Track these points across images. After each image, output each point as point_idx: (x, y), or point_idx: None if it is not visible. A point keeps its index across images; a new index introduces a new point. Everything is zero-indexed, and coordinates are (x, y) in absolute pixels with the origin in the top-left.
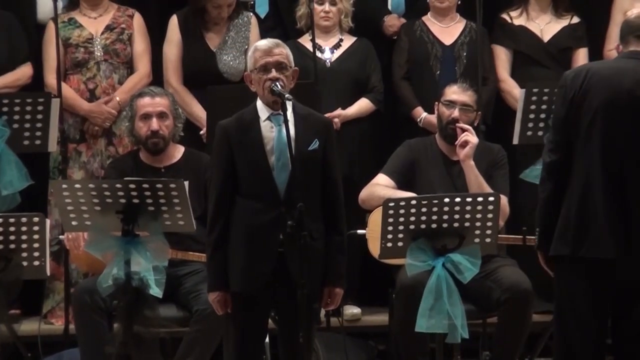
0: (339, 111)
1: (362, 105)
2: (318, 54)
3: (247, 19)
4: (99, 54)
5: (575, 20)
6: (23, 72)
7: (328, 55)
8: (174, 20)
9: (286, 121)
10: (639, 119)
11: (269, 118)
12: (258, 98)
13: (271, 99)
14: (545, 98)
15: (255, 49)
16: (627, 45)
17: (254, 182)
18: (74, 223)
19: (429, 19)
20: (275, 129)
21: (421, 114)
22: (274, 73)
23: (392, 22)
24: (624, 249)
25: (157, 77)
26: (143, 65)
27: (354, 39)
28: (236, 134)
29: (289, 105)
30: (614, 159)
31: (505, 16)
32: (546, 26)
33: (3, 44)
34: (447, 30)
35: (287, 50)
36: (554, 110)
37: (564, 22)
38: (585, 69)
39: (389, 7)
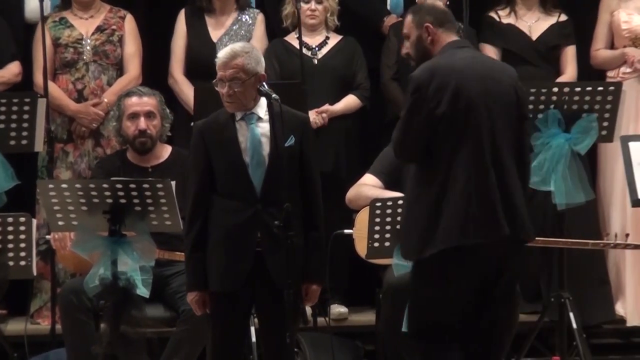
0: (326, 106)
1: (349, 101)
2: (305, 51)
3: (254, 15)
4: (88, 54)
5: (563, 17)
6: (10, 71)
7: (315, 53)
8: (181, 14)
9: (272, 119)
10: (496, 108)
11: (243, 117)
12: None
13: (229, 111)
14: (531, 98)
15: (217, 58)
16: (448, 32)
17: (230, 180)
18: (60, 223)
19: None
20: (249, 127)
21: None
22: (225, 89)
23: (392, 22)
24: (508, 231)
25: (146, 79)
26: (133, 67)
27: (339, 37)
28: (211, 134)
29: (264, 105)
30: (487, 151)
31: (493, 14)
32: (534, 24)
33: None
34: None
35: (245, 61)
36: (411, 115)
37: (552, 20)
38: (434, 69)
39: (388, 7)
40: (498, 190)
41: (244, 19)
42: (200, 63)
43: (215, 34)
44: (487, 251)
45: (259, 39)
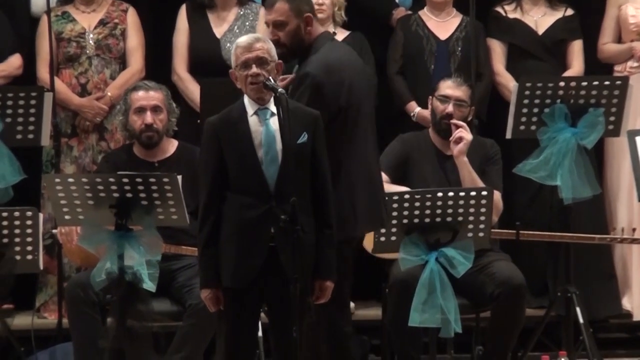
0: None
1: None
2: None
3: (256, 9)
4: (90, 48)
5: (570, 12)
6: (10, 64)
7: None
8: (182, 10)
9: (279, 114)
10: (370, 101)
11: (256, 113)
12: (245, 94)
13: (254, 96)
14: (538, 92)
15: (236, 45)
16: (317, 23)
17: (243, 177)
18: (67, 217)
19: (425, 13)
20: (263, 123)
21: (414, 108)
22: (254, 69)
23: (400, 15)
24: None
25: (150, 72)
26: (136, 61)
27: (347, 32)
28: (224, 130)
29: (273, 100)
30: (370, 144)
31: (499, 9)
32: (540, 19)
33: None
34: (443, 25)
35: (268, 45)
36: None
37: (558, 14)
38: (328, 65)
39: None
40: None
41: (246, 14)
42: (205, 60)
43: (218, 31)
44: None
45: (264, 31)
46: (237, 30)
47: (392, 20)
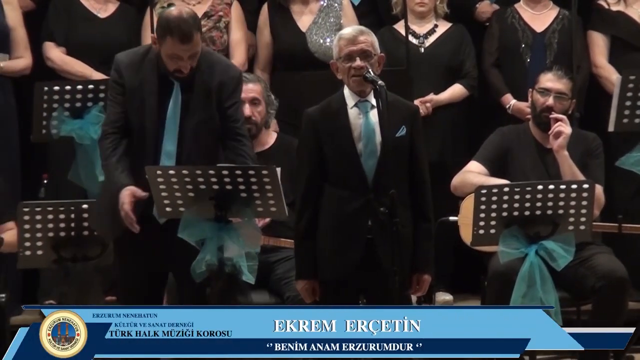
0: (430, 96)
1: (455, 90)
2: (413, 39)
3: (339, 0)
4: None
5: None
6: None
7: (422, 41)
8: (264, 8)
9: (379, 107)
10: None
11: (356, 105)
12: (345, 85)
13: (356, 88)
14: None
15: (339, 37)
16: None
17: (341, 169)
18: (168, 209)
19: (521, 6)
20: (363, 115)
21: (510, 101)
22: (358, 62)
23: (485, 8)
24: None
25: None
26: (239, 54)
27: (449, 24)
28: (323, 121)
29: (373, 92)
30: None
31: (602, 2)
32: None
33: (124, 38)
34: (539, 17)
35: (371, 38)
36: None
37: None
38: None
39: None
40: None
41: (329, 5)
42: (292, 54)
43: (303, 24)
44: None
45: (351, 20)
46: (322, 23)
47: (476, 14)
